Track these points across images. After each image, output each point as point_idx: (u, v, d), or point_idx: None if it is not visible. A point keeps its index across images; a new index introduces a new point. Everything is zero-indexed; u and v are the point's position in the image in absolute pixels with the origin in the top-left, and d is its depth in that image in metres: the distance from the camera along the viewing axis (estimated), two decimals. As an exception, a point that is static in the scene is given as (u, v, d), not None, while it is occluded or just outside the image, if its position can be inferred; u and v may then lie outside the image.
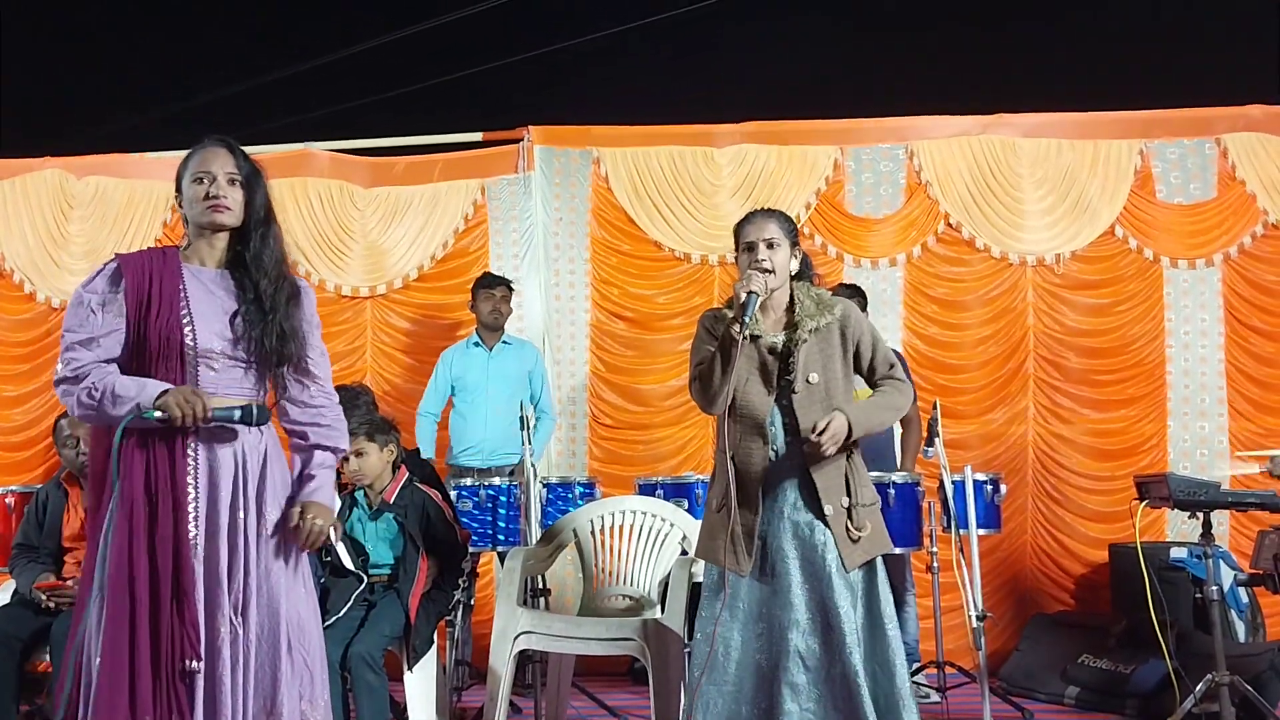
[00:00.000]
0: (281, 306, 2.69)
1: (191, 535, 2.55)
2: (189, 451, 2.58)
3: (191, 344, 2.60)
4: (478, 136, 6.36)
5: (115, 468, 2.49)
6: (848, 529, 3.09)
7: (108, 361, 2.59)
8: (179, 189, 2.75)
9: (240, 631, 2.56)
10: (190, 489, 2.57)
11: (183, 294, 2.63)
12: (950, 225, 6.07)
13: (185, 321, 2.61)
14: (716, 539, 3.16)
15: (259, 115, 9.15)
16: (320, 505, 2.70)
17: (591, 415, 6.14)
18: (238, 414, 2.60)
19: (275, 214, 2.78)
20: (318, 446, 2.77)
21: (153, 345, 2.60)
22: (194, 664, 2.48)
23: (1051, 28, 9.50)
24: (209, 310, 2.65)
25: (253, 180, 2.73)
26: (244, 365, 2.66)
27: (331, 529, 2.73)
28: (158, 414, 2.50)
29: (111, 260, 2.69)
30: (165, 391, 2.53)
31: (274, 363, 2.68)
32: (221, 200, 2.66)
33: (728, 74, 9.67)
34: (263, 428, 2.70)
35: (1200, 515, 3.91)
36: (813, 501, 3.10)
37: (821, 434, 3.01)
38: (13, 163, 6.39)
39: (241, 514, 2.61)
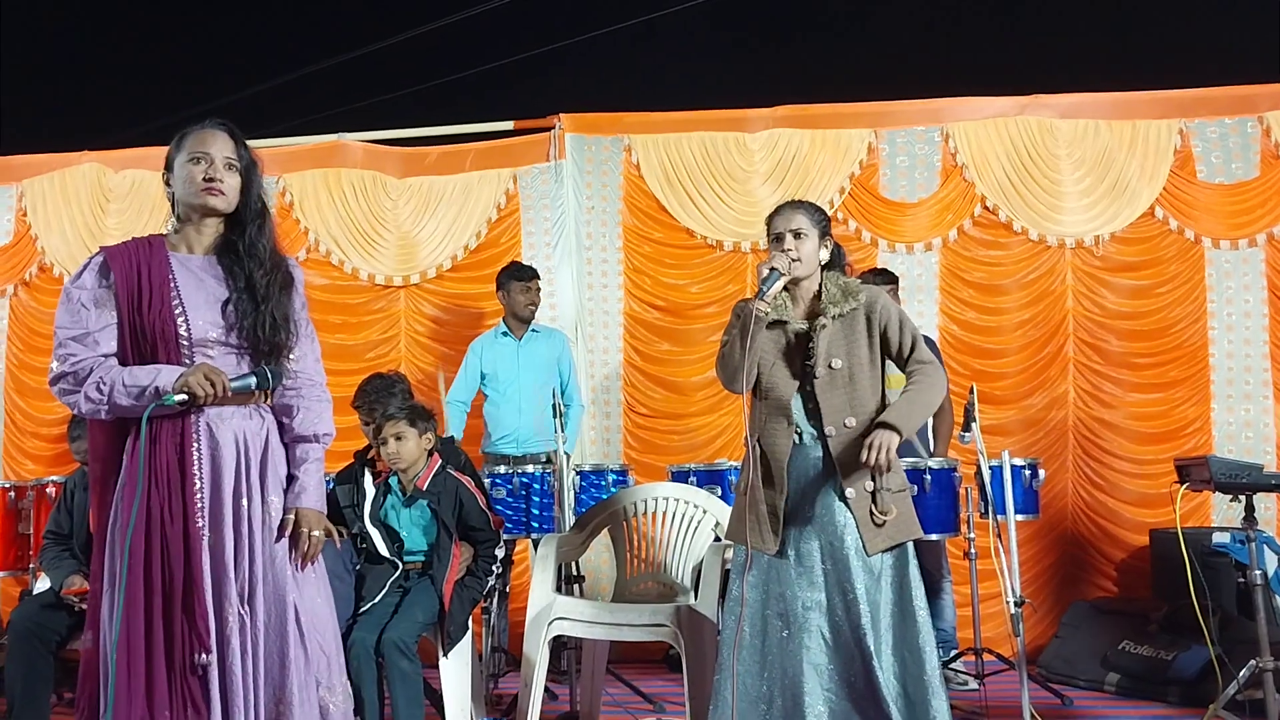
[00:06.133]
0: (275, 295, 2.65)
1: (199, 526, 2.53)
2: (195, 442, 2.55)
3: (186, 334, 2.57)
4: (509, 125, 6.36)
5: (141, 460, 2.49)
6: (871, 513, 3.09)
7: (106, 356, 2.56)
8: (169, 167, 2.70)
9: (248, 620, 2.54)
10: (196, 479, 2.54)
11: (172, 284, 2.60)
12: (987, 208, 6.00)
13: (178, 312, 2.57)
14: (744, 520, 3.17)
15: (293, 108, 9.21)
16: (310, 512, 2.66)
17: (626, 404, 6.13)
18: (254, 381, 2.59)
19: (268, 204, 2.75)
20: (300, 439, 2.71)
21: (148, 337, 2.56)
22: (205, 657, 2.47)
23: (1088, 6, 9.36)
24: (200, 299, 2.61)
25: (251, 170, 2.69)
26: (238, 352, 2.63)
27: (329, 525, 2.73)
28: (179, 397, 2.49)
29: (97, 254, 2.64)
30: (182, 374, 2.52)
31: (266, 351, 2.63)
32: (217, 184, 2.62)
33: (759, 58, 9.61)
34: (264, 411, 2.68)
35: (1243, 498, 3.85)
36: (836, 485, 3.12)
37: (871, 454, 2.99)
38: (52, 157, 6.49)
39: (245, 501, 2.58)
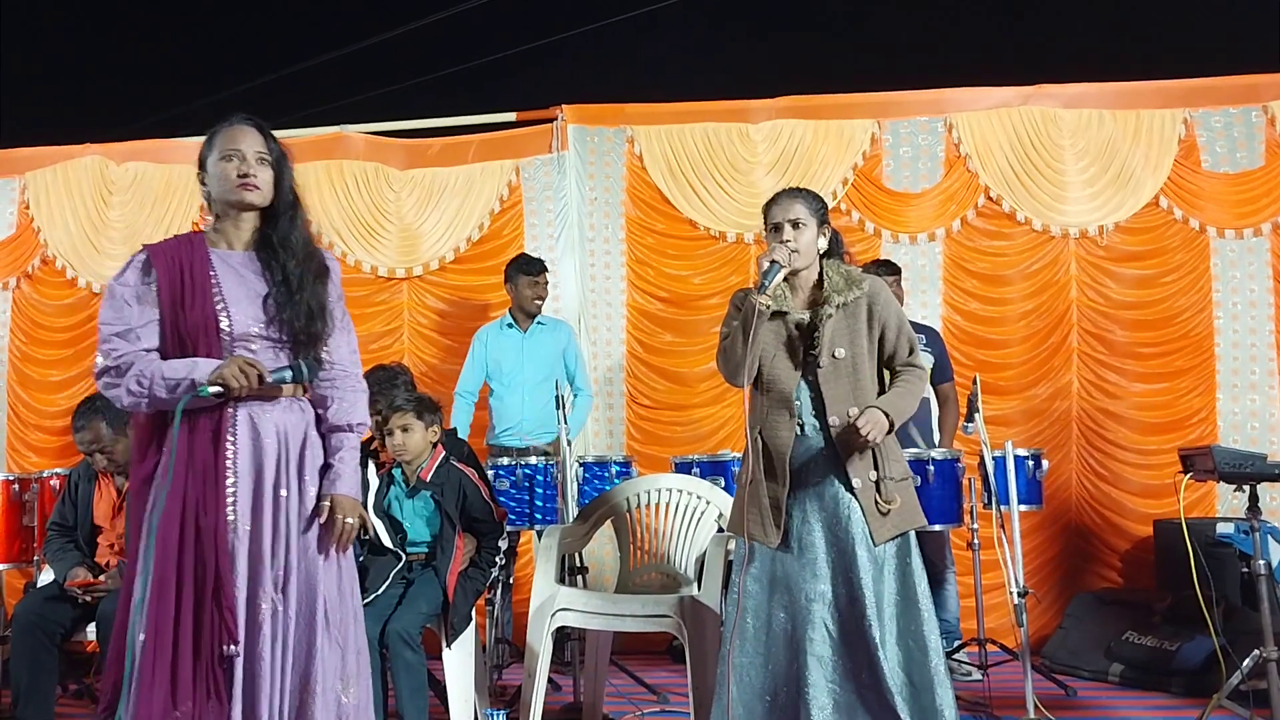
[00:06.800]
0: (309, 286, 2.70)
1: (231, 519, 2.57)
2: (230, 434, 2.60)
3: (228, 329, 2.62)
4: (511, 117, 6.34)
5: (173, 451, 2.54)
6: (876, 502, 3.09)
7: (148, 351, 2.62)
8: (202, 166, 2.75)
9: (280, 608, 2.59)
10: (230, 473, 2.59)
11: (214, 280, 2.65)
12: (990, 199, 5.98)
13: (220, 307, 2.63)
14: (746, 513, 3.17)
15: (295, 100, 9.20)
16: (345, 499, 2.71)
17: (629, 395, 6.13)
18: (289, 374, 2.64)
19: (300, 195, 2.80)
20: (335, 428, 2.76)
21: (190, 333, 2.62)
22: (232, 648, 2.51)
23: (1092, -4, 9.32)
24: (241, 294, 2.66)
25: (281, 162, 2.74)
26: (278, 345, 2.68)
27: (363, 513, 2.78)
28: (214, 389, 2.54)
29: (140, 252, 2.71)
30: (217, 366, 2.57)
31: (303, 341, 2.68)
32: (252, 179, 2.66)
33: (762, 49, 9.59)
34: (303, 405, 2.73)
35: (1247, 489, 3.84)
36: (840, 475, 3.11)
37: (861, 427, 3.01)
38: (55, 150, 6.48)
39: (284, 492, 2.64)
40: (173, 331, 2.63)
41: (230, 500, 2.57)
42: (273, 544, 2.60)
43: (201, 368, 2.57)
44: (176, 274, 2.64)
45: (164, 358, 2.62)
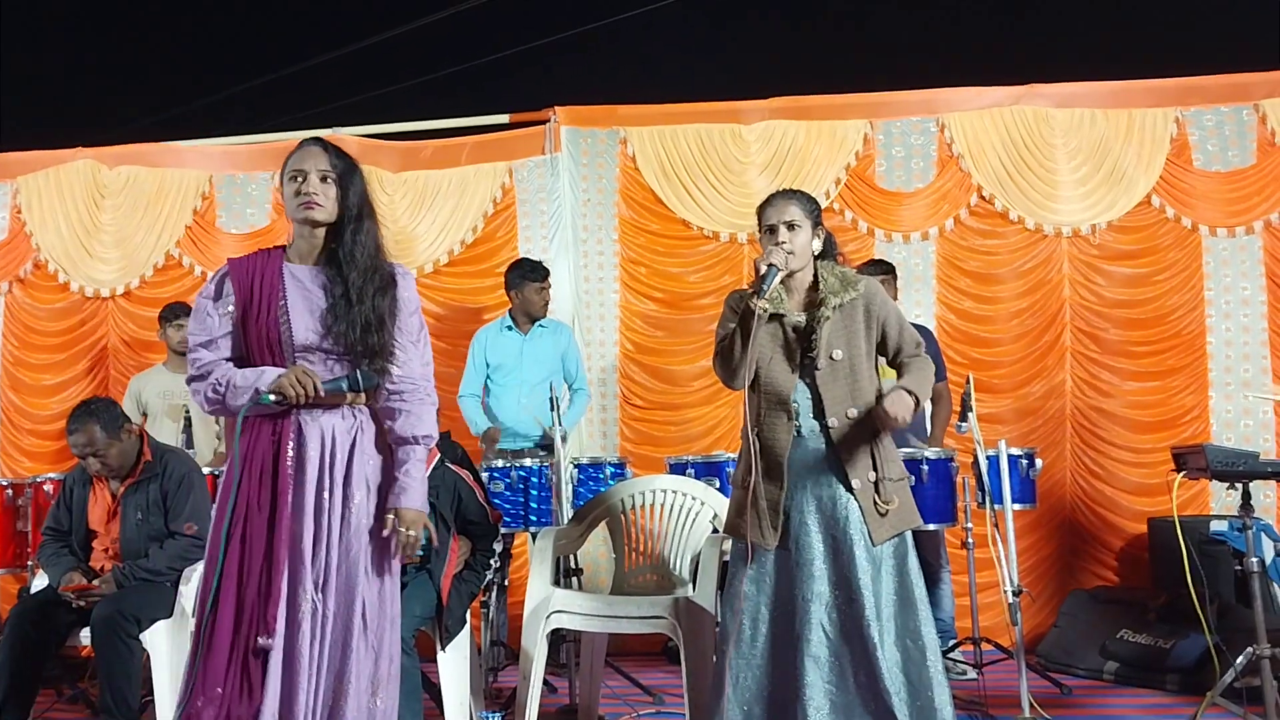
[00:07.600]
0: (369, 298, 2.77)
1: (284, 518, 2.67)
2: (289, 440, 2.71)
3: (289, 339, 2.74)
4: (504, 119, 6.35)
5: (235, 454, 2.68)
6: (875, 503, 3.10)
7: (227, 360, 2.77)
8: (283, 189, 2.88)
9: (320, 607, 2.67)
10: (287, 473, 2.70)
11: (281, 292, 2.77)
12: (983, 198, 5.99)
13: (282, 319, 2.75)
14: (743, 514, 3.17)
15: (288, 102, 9.20)
16: (408, 512, 2.78)
17: (622, 396, 6.13)
18: (345, 384, 2.74)
19: (373, 208, 2.87)
20: (400, 440, 2.83)
21: (257, 342, 2.76)
22: (267, 640, 2.60)
23: (1084, -4, 9.33)
24: (303, 307, 2.77)
25: (346, 177, 2.83)
26: (335, 356, 2.76)
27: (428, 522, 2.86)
28: (273, 397, 2.67)
29: (222, 266, 2.86)
30: (278, 376, 2.69)
31: (360, 353, 2.75)
32: (314, 197, 2.76)
33: (754, 50, 9.59)
34: (357, 412, 2.80)
35: (1239, 486, 3.85)
36: (838, 476, 3.12)
37: (888, 408, 3.04)
38: (47, 154, 6.49)
39: (326, 495, 2.72)
40: (245, 341, 2.78)
41: (286, 500, 2.68)
42: (314, 544, 2.69)
43: (267, 376, 2.70)
44: (249, 287, 2.78)
45: (241, 366, 2.76)
